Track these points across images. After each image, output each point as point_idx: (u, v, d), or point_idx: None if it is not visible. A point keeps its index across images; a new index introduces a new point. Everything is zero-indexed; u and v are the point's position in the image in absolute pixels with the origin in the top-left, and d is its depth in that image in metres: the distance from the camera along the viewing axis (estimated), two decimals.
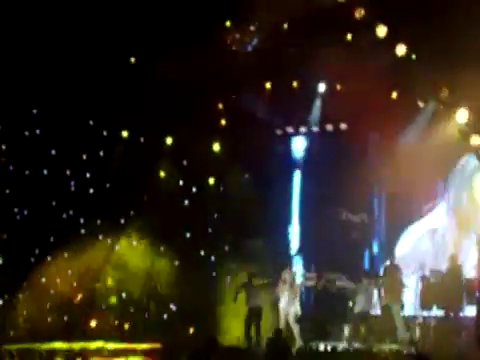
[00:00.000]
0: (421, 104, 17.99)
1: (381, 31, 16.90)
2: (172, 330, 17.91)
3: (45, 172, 19.14)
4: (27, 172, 18.91)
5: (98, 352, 15.46)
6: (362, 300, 15.84)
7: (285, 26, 17.96)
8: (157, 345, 15.72)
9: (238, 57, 17.98)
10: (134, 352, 15.45)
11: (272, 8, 17.18)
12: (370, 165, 18.20)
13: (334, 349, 14.91)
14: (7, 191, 18.76)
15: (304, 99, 19.06)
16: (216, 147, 19.34)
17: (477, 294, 15.89)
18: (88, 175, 19.41)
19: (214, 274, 19.08)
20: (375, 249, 19.15)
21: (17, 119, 18.36)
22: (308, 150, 20.10)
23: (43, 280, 18.60)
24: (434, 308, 16.46)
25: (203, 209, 19.23)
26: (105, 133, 19.35)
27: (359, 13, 17.22)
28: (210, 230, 19.54)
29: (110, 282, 19.21)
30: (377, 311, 16.34)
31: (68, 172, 19.35)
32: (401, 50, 17.20)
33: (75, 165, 19.20)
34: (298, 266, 18.67)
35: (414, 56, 17.32)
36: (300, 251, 19.50)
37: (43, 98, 18.21)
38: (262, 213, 18.64)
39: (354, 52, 17.09)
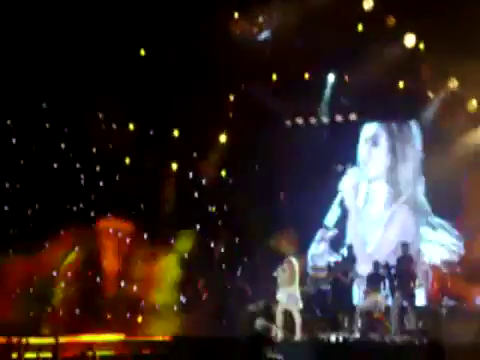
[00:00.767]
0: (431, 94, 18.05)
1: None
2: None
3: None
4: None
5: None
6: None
7: (294, 18, 17.90)
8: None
9: (248, 48, 17.93)
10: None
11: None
12: None
13: (346, 340, 14.98)
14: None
15: (314, 90, 19.06)
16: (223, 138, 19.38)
17: None
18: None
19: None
20: None
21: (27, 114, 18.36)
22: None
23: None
24: (445, 298, 16.53)
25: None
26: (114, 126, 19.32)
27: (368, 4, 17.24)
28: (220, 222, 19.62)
29: None
30: (388, 302, 16.35)
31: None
32: (410, 41, 17.24)
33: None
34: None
35: (422, 46, 17.39)
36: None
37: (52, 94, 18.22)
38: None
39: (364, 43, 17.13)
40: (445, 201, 18.04)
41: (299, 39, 17.89)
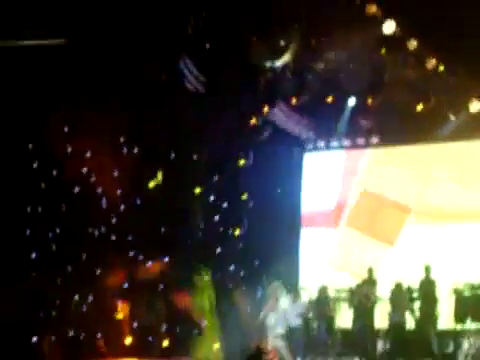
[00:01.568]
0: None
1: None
2: None
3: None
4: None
5: None
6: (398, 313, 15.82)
7: (315, 42, 18.05)
8: None
9: (268, 72, 18.06)
10: None
11: (302, 23, 17.37)
12: None
13: None
14: None
15: (335, 113, 19.16)
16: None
17: None
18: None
19: None
20: None
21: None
22: None
23: None
24: (468, 321, 16.40)
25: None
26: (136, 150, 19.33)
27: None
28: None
29: None
30: (411, 325, 16.25)
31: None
32: (431, 63, 17.31)
33: None
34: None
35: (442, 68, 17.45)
36: None
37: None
38: None
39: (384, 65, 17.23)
40: None
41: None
